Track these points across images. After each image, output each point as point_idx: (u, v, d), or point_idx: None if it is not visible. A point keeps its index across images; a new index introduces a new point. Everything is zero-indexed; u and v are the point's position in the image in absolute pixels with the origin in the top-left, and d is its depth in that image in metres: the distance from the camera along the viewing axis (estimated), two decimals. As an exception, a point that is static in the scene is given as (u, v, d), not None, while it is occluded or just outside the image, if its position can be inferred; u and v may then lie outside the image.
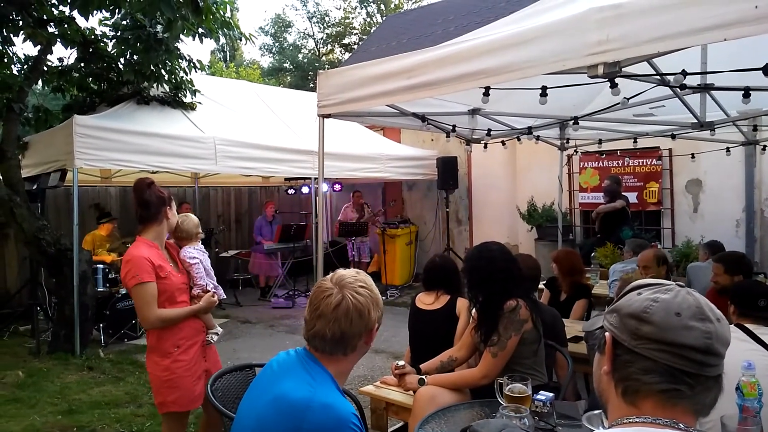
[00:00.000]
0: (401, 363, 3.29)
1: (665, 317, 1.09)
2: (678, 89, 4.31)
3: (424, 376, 3.19)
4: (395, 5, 31.44)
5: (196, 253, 3.48)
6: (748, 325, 2.75)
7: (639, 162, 9.39)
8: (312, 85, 26.77)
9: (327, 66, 30.94)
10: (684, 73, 3.60)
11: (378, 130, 11.70)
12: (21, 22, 6.51)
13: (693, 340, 1.07)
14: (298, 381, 1.67)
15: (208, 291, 3.44)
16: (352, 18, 32.93)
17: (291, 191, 11.47)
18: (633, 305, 1.14)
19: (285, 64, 32.17)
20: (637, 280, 1.23)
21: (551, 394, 2.51)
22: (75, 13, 6.79)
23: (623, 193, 8.40)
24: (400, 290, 10.90)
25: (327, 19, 32.96)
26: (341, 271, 1.85)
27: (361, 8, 32.64)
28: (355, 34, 32.40)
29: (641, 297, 1.15)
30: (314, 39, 33.47)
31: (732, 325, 2.81)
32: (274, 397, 1.66)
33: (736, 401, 2.05)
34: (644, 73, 3.63)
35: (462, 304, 3.83)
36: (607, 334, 1.18)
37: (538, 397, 2.48)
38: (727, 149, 7.30)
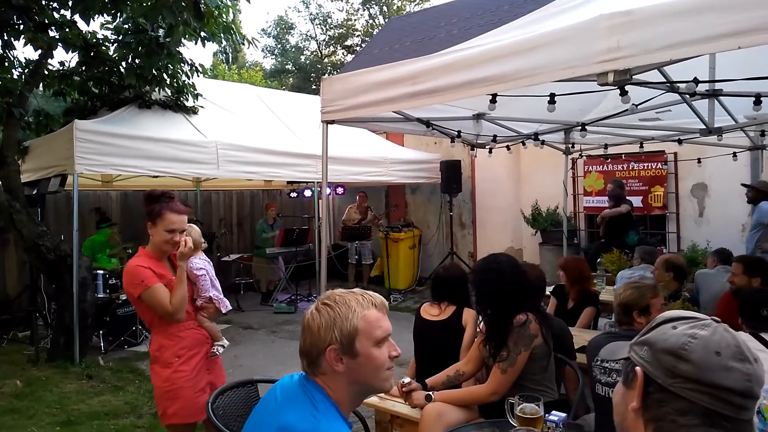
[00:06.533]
0: (407, 380, 3.21)
1: (705, 356, 1.01)
2: (687, 95, 4.24)
3: (431, 393, 3.11)
4: (398, 7, 31.40)
5: (202, 264, 3.43)
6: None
7: (644, 166, 9.33)
8: (314, 87, 26.73)
9: (329, 67, 30.94)
10: (696, 81, 3.52)
11: (381, 134, 11.63)
12: (22, 26, 6.43)
13: (733, 382, 1.00)
14: (301, 411, 1.59)
15: (213, 302, 3.39)
16: (355, 20, 32.93)
17: (293, 194, 11.41)
18: (669, 340, 1.06)
19: (287, 66, 32.13)
20: (669, 312, 1.15)
21: (564, 415, 2.43)
22: (76, 17, 6.73)
23: (627, 197, 8.34)
24: (404, 294, 10.82)
25: (329, 20, 32.95)
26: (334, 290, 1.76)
27: (364, 10, 32.62)
28: (357, 36, 32.38)
29: (677, 332, 1.06)
30: (317, 41, 33.48)
31: (747, 334, 2.74)
32: (277, 428, 1.59)
33: (758, 425, 1.98)
34: (654, 80, 3.56)
35: (468, 314, 3.75)
36: (638, 368, 1.09)
37: (551, 417, 2.41)
38: (734, 154, 7.23)
